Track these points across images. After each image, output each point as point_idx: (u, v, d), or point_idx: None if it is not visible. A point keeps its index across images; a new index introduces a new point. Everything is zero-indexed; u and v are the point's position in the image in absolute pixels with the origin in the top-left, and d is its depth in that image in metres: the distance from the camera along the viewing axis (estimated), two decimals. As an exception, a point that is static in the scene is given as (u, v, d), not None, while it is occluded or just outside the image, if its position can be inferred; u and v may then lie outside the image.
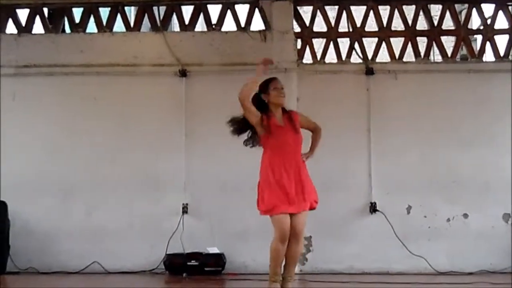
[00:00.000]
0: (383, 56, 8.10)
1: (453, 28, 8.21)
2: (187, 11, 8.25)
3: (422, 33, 8.17)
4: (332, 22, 8.08)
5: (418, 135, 7.72)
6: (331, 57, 8.07)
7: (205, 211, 7.65)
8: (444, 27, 8.12)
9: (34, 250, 7.58)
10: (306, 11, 8.33)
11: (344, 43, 8.13)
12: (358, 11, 8.17)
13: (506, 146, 7.63)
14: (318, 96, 7.75)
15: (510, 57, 8.00)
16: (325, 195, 6.99)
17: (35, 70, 7.89)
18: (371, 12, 8.06)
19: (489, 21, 8.06)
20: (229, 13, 8.07)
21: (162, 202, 7.69)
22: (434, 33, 8.07)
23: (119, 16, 8.13)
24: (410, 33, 8.05)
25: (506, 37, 8.04)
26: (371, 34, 8.14)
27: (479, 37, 8.25)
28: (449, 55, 8.04)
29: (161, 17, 8.06)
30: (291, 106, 5.86)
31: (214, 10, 8.12)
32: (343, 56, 8.03)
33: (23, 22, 8.16)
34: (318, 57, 8.05)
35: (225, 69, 7.71)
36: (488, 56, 8.25)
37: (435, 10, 8.61)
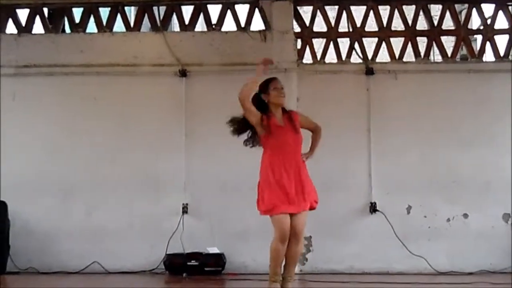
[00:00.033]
0: (383, 56, 8.10)
1: (453, 28, 8.21)
2: (187, 11, 8.25)
3: (422, 33, 8.18)
4: (332, 22, 8.08)
5: (418, 135, 7.72)
6: (331, 57, 8.07)
7: (205, 211, 7.66)
8: (444, 27, 8.12)
9: (34, 250, 7.58)
10: (306, 11, 8.33)
11: (344, 43, 8.13)
12: (358, 11, 8.17)
13: (506, 146, 7.63)
14: (318, 96, 7.75)
15: (510, 57, 8.00)
16: (325, 195, 6.99)
17: (35, 70, 7.89)
18: (371, 12, 8.06)
19: (489, 21, 8.06)
20: (229, 13, 8.07)
21: (162, 202, 7.69)
22: (434, 33, 8.07)
23: (119, 16, 8.13)
24: (410, 33, 8.05)
25: (506, 37, 8.04)
26: (371, 34, 8.14)
27: (479, 37, 8.25)
28: (449, 55, 8.04)
29: (161, 17, 8.06)
30: (291, 106, 5.87)
31: (214, 10, 8.12)
32: (343, 56, 8.03)
33: (23, 22, 8.16)
34: (318, 57, 8.05)
35: (225, 69, 7.72)
36: (488, 56, 8.25)
37: (435, 10, 8.61)
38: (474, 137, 7.70)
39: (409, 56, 8.10)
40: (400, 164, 7.67)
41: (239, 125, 5.34)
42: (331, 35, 8.09)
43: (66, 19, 8.22)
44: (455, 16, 8.14)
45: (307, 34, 8.06)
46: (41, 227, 7.66)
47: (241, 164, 7.14)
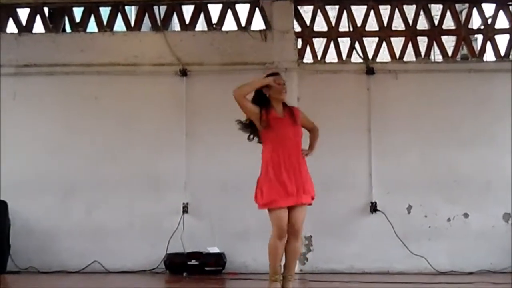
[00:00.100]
0: (384, 55, 8.10)
1: (453, 27, 8.21)
2: (187, 10, 8.25)
3: (422, 33, 8.17)
4: (333, 21, 8.08)
5: (419, 134, 7.72)
6: (331, 56, 8.07)
7: (205, 211, 7.65)
8: (444, 26, 8.12)
9: (34, 250, 7.59)
10: (306, 11, 8.33)
11: (344, 43, 8.12)
12: (358, 11, 8.17)
13: (507, 146, 7.63)
14: (318, 95, 7.75)
15: (510, 56, 7.99)
16: (326, 194, 7.08)
17: (35, 69, 7.89)
18: (372, 12, 8.05)
19: (489, 21, 8.05)
20: (229, 12, 8.07)
21: (162, 201, 7.69)
22: (435, 33, 8.06)
23: (119, 15, 8.13)
24: (411, 33, 8.05)
25: (506, 37, 8.04)
26: (371, 34, 8.13)
27: (479, 37, 8.25)
28: (450, 54, 8.04)
29: (162, 17, 8.06)
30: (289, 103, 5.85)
31: (214, 10, 8.12)
32: (344, 56, 8.02)
33: (24, 22, 8.15)
34: (319, 57, 8.04)
35: (226, 69, 7.71)
36: (489, 55, 8.25)
37: (436, 9, 8.61)
38: (475, 137, 7.70)
39: (410, 55, 8.10)
40: (401, 164, 7.67)
41: (245, 125, 5.37)
42: (332, 34, 8.08)
43: (66, 18, 8.22)
44: (455, 16, 8.14)
45: (307, 34, 8.05)
46: (41, 226, 7.66)
47: (241, 164, 7.15)
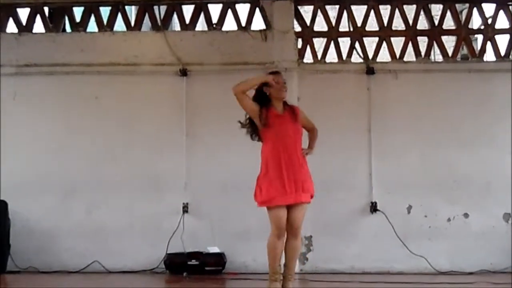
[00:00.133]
0: (384, 55, 8.10)
1: (453, 27, 8.21)
2: (187, 10, 8.25)
3: (422, 33, 8.17)
4: (333, 21, 8.08)
5: (419, 134, 7.72)
6: (331, 56, 8.07)
7: (205, 211, 7.65)
8: (444, 26, 8.12)
9: (34, 249, 7.59)
10: (306, 11, 8.33)
11: (344, 43, 8.12)
12: (358, 11, 8.17)
13: (507, 146, 7.63)
14: (318, 95, 7.75)
15: (510, 56, 7.99)
16: (326, 194, 7.09)
17: (35, 69, 7.89)
18: (372, 12, 8.05)
19: (489, 21, 8.05)
20: (229, 12, 8.07)
21: (162, 201, 7.69)
22: (435, 33, 8.06)
23: (119, 15, 8.13)
24: (411, 33, 8.04)
25: (506, 37, 8.04)
26: (371, 34, 8.13)
27: (479, 37, 8.25)
28: (450, 54, 8.03)
29: (162, 17, 8.06)
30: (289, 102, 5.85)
31: (214, 10, 8.11)
32: (344, 56, 8.02)
33: (24, 21, 8.15)
34: (319, 57, 8.04)
35: (226, 69, 7.70)
36: (489, 55, 8.25)
37: (436, 9, 8.60)
38: (475, 137, 7.70)
39: (410, 55, 8.10)
40: (401, 164, 7.67)
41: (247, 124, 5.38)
42: (332, 34, 8.08)
43: (66, 18, 8.22)
44: (455, 16, 8.14)
45: (307, 34, 8.05)
46: (42, 226, 7.66)
47: (241, 164, 7.15)
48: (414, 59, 8.06)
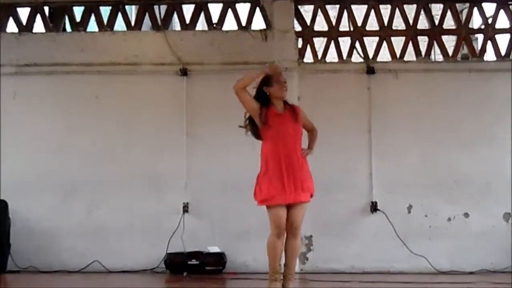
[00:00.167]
0: (384, 55, 8.10)
1: (454, 27, 8.20)
2: (188, 10, 8.25)
3: (423, 32, 8.17)
4: (333, 21, 8.08)
5: (419, 134, 7.72)
6: (332, 56, 8.06)
7: (205, 210, 7.65)
8: (445, 26, 8.12)
9: (34, 249, 7.58)
10: (307, 10, 8.33)
11: (345, 42, 8.12)
12: (359, 10, 8.17)
13: (507, 146, 7.63)
14: (319, 95, 7.74)
15: (511, 56, 7.99)
16: (326, 194, 7.09)
17: (35, 69, 7.89)
18: (372, 11, 8.05)
19: (490, 21, 8.05)
20: (230, 12, 8.06)
21: (163, 201, 7.68)
22: (435, 32, 8.06)
23: (120, 15, 8.12)
24: (411, 32, 8.04)
25: (507, 37, 8.04)
26: (372, 33, 8.13)
27: (480, 37, 8.25)
28: (450, 54, 8.03)
29: (162, 16, 8.06)
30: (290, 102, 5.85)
31: (215, 9, 8.11)
32: (344, 55, 8.02)
33: (24, 21, 8.15)
34: (319, 56, 8.04)
35: (226, 68, 7.69)
36: (489, 55, 8.25)
37: (436, 9, 8.59)
38: (475, 137, 7.70)
39: (410, 55, 8.10)
40: (401, 164, 7.67)
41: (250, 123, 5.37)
42: (332, 34, 8.08)
43: (67, 18, 8.22)
44: (456, 16, 8.14)
45: (308, 33, 8.05)
46: (42, 226, 7.66)
47: (242, 163, 7.14)
48: (414, 58, 8.05)
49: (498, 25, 8.04)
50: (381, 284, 6.44)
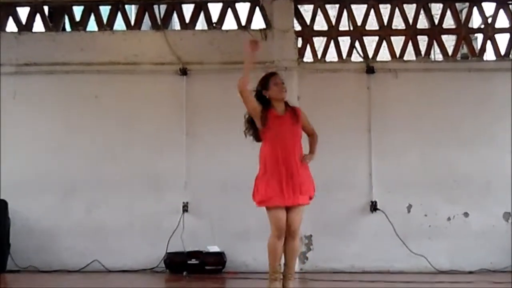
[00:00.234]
0: (384, 54, 8.10)
1: (454, 27, 8.20)
2: (187, 9, 8.25)
3: (422, 32, 8.17)
4: (333, 20, 8.08)
5: (419, 133, 7.72)
6: (331, 55, 8.06)
7: (205, 210, 7.65)
8: (445, 26, 8.12)
9: (34, 249, 7.58)
10: (307, 10, 8.32)
11: (344, 42, 8.12)
12: (358, 10, 8.17)
13: (507, 145, 7.63)
14: (318, 94, 7.74)
15: (510, 56, 7.99)
16: (326, 194, 7.08)
17: (35, 68, 7.89)
18: (372, 11, 8.05)
19: (490, 20, 8.05)
20: (229, 11, 8.06)
21: (162, 200, 7.68)
22: (435, 32, 8.06)
23: (119, 14, 8.12)
24: (411, 32, 8.04)
25: (506, 36, 8.04)
26: (371, 33, 8.13)
27: (480, 36, 8.25)
28: (450, 54, 8.03)
29: (162, 16, 8.06)
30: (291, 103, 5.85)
31: (214, 9, 8.11)
32: (344, 55, 8.02)
33: (24, 20, 8.14)
34: (319, 56, 8.04)
35: (226, 68, 7.68)
36: (489, 55, 8.25)
37: (436, 9, 8.59)
38: (475, 136, 7.70)
39: (410, 54, 8.10)
40: (401, 163, 7.67)
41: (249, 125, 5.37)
42: (332, 33, 8.08)
43: (66, 17, 8.21)
44: (455, 15, 8.14)
45: (307, 33, 8.05)
46: (42, 225, 7.66)
47: (241, 163, 7.12)
48: (414, 58, 8.06)
49: (497, 25, 8.04)
50: (381, 284, 6.44)
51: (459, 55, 8.12)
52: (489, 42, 8.00)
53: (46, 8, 8.20)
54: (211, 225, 7.60)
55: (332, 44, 8.05)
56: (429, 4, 8.23)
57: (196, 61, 7.88)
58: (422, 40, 8.09)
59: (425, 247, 7.49)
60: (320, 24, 8.12)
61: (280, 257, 5.29)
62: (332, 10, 8.22)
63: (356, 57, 8.00)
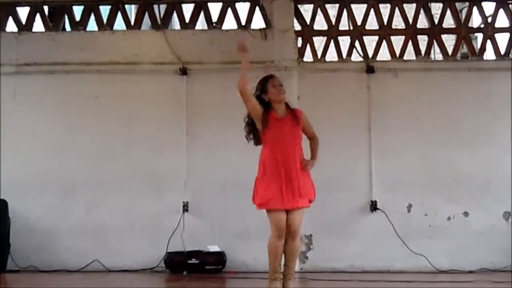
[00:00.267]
0: (384, 54, 8.10)
1: (453, 26, 8.21)
2: (187, 9, 8.25)
3: (422, 32, 8.17)
4: (333, 20, 8.08)
5: (419, 133, 7.72)
6: (331, 55, 8.06)
7: (205, 210, 7.65)
8: (444, 25, 8.12)
9: (34, 248, 7.58)
10: (306, 9, 8.32)
11: (344, 41, 8.12)
12: (358, 9, 8.17)
13: (507, 145, 7.63)
14: (318, 94, 7.74)
15: (510, 55, 7.99)
16: (326, 193, 7.07)
17: (35, 68, 7.89)
18: (372, 10, 8.05)
19: (489, 20, 8.05)
20: (229, 11, 8.07)
21: (162, 200, 7.68)
22: (435, 32, 8.06)
23: (119, 14, 8.12)
24: (411, 32, 8.04)
25: (506, 36, 8.04)
26: (371, 33, 8.13)
27: (479, 36, 8.25)
28: (450, 53, 8.03)
29: (162, 15, 8.06)
30: (292, 105, 5.85)
31: (214, 8, 8.11)
32: (344, 55, 8.02)
33: (24, 20, 8.14)
34: (319, 56, 8.04)
35: (226, 67, 7.67)
36: (489, 54, 8.25)
37: (436, 8, 8.59)
38: (475, 136, 7.70)
39: (410, 54, 8.10)
40: (401, 163, 7.67)
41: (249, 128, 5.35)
42: (332, 33, 8.08)
43: (66, 17, 8.21)
44: (455, 15, 8.14)
45: (307, 32, 8.05)
46: (42, 225, 7.66)
47: (241, 163, 7.09)
48: (414, 57, 8.06)
49: (497, 24, 8.04)
50: (380, 283, 6.44)
51: (459, 54, 8.13)
52: (489, 41, 8.00)
53: (46, 8, 8.21)
54: (211, 225, 7.60)
55: (332, 43, 8.05)
56: (429, 4, 8.22)
57: (196, 60, 7.88)
58: (422, 40, 8.09)
59: (425, 246, 7.49)
60: (320, 23, 8.12)
61: (280, 257, 5.29)
62: (332, 9, 8.22)
63: (356, 57, 8.00)
